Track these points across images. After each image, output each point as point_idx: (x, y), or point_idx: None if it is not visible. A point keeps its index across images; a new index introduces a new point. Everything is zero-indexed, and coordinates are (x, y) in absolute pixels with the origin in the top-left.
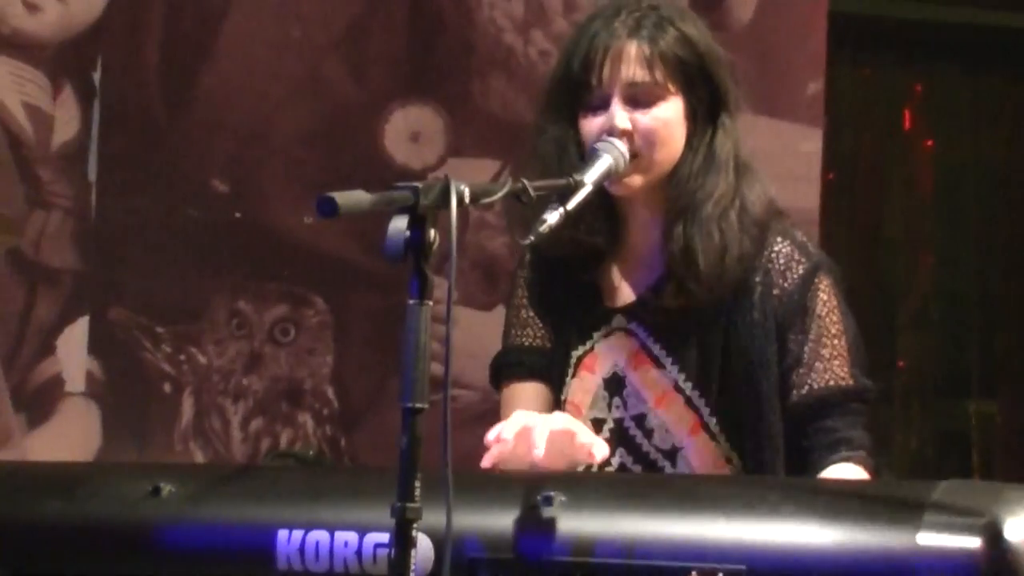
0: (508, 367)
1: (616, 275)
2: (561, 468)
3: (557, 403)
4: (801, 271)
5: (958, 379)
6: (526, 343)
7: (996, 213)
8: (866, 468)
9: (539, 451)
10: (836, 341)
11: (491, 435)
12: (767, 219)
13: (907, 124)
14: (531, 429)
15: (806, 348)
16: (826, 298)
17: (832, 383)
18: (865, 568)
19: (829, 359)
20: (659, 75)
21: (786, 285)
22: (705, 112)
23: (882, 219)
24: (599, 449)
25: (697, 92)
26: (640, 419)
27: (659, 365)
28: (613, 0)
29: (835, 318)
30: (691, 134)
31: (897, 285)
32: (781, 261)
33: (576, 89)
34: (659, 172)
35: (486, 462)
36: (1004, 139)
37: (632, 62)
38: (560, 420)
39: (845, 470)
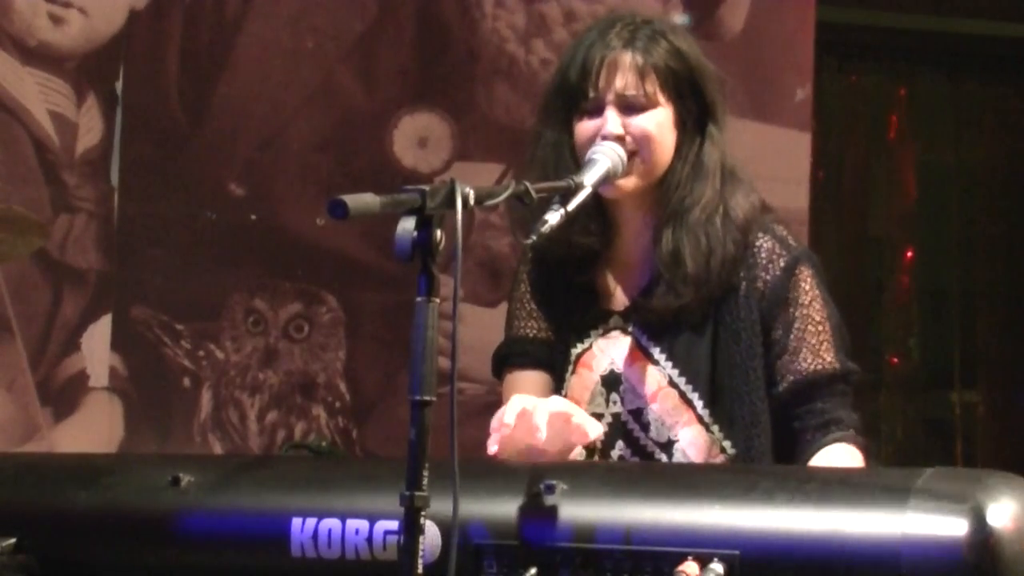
0: (512, 356)
1: (611, 278)
2: (559, 448)
3: (558, 393)
4: (782, 264)
5: (941, 371)
6: (530, 334)
7: (976, 212)
8: (857, 446)
9: (541, 434)
10: (820, 328)
11: (494, 422)
12: (749, 223)
13: (892, 128)
14: (531, 412)
15: (791, 336)
16: (807, 287)
17: (819, 367)
18: (853, 552)
19: (815, 345)
20: (651, 85)
21: (768, 278)
22: (694, 122)
23: (868, 218)
24: (592, 428)
25: (686, 103)
26: (637, 413)
27: (654, 362)
28: (609, 14)
29: (818, 306)
30: (680, 143)
31: (882, 281)
32: (763, 256)
33: (573, 96)
34: (652, 175)
35: (491, 447)
36: (984, 142)
37: (626, 71)
38: (557, 403)
39: (839, 451)
